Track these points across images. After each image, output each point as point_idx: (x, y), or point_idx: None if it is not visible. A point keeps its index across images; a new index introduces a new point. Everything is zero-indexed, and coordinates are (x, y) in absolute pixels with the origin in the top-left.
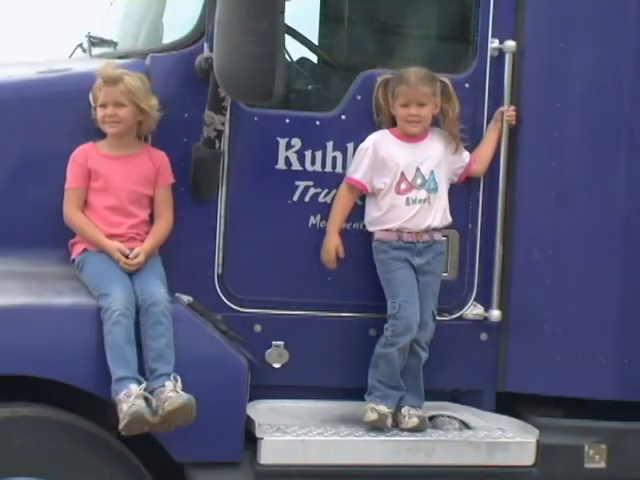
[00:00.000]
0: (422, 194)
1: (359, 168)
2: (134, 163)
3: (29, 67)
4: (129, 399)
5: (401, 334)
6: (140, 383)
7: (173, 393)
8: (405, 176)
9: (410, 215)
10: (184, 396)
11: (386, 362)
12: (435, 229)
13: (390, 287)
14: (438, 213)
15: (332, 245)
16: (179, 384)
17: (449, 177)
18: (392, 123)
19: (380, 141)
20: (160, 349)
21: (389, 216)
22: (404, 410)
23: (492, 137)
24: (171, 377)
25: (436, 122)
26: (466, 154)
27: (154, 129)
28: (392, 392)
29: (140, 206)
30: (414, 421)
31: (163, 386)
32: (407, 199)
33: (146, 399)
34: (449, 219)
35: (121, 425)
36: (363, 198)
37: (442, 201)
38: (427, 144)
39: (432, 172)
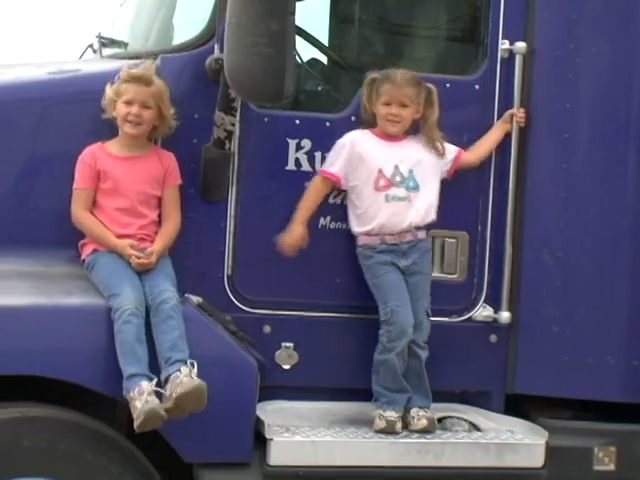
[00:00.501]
0: (401, 192)
1: (335, 162)
2: (143, 164)
3: (39, 68)
4: (142, 396)
5: (396, 339)
6: (151, 379)
7: (187, 378)
8: (383, 173)
9: (390, 213)
10: (195, 381)
11: (387, 368)
12: (418, 227)
13: (380, 292)
14: (420, 212)
15: (295, 235)
16: (195, 370)
17: (437, 176)
18: (375, 123)
19: (358, 138)
20: (173, 340)
21: (369, 213)
22: (413, 412)
23: (495, 134)
24: (187, 363)
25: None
26: (451, 149)
27: (165, 134)
28: (398, 396)
29: (149, 207)
30: (423, 423)
31: (179, 371)
32: (386, 196)
33: (158, 394)
34: (432, 217)
35: (136, 424)
36: None
37: (425, 200)
38: (405, 145)
39: (411, 171)
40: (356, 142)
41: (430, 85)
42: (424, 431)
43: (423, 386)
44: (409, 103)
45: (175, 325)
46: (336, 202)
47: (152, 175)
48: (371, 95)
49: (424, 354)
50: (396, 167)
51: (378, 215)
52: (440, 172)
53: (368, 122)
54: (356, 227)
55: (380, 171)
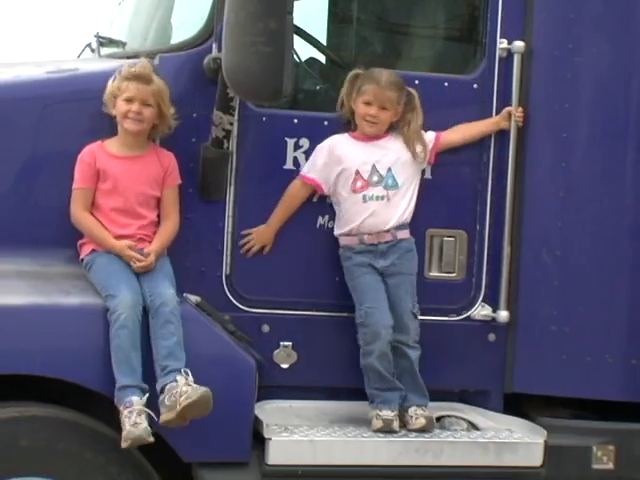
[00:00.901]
0: (379, 191)
1: (314, 167)
2: (143, 164)
3: (38, 67)
4: (131, 416)
5: (371, 341)
6: (143, 392)
7: (187, 387)
8: (360, 174)
9: (368, 213)
10: (201, 389)
11: (372, 371)
12: (397, 227)
13: (356, 294)
14: (399, 210)
15: (264, 238)
16: (190, 377)
17: (417, 173)
18: (351, 119)
19: (337, 142)
20: (171, 347)
21: (348, 215)
22: (411, 411)
23: (486, 124)
24: (182, 371)
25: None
26: (430, 137)
27: (165, 134)
28: (390, 394)
29: (148, 207)
30: (421, 422)
31: (175, 381)
32: (364, 197)
33: (149, 414)
34: (408, 215)
35: (123, 443)
36: None
37: (404, 198)
38: (384, 144)
39: (390, 169)
40: (334, 146)
41: (412, 89)
42: (422, 430)
43: (418, 385)
44: (389, 107)
45: (173, 330)
46: None
47: (152, 175)
48: (351, 91)
49: (414, 354)
50: (374, 167)
51: (356, 217)
52: (420, 169)
53: (344, 118)
54: (337, 229)
55: (357, 173)
